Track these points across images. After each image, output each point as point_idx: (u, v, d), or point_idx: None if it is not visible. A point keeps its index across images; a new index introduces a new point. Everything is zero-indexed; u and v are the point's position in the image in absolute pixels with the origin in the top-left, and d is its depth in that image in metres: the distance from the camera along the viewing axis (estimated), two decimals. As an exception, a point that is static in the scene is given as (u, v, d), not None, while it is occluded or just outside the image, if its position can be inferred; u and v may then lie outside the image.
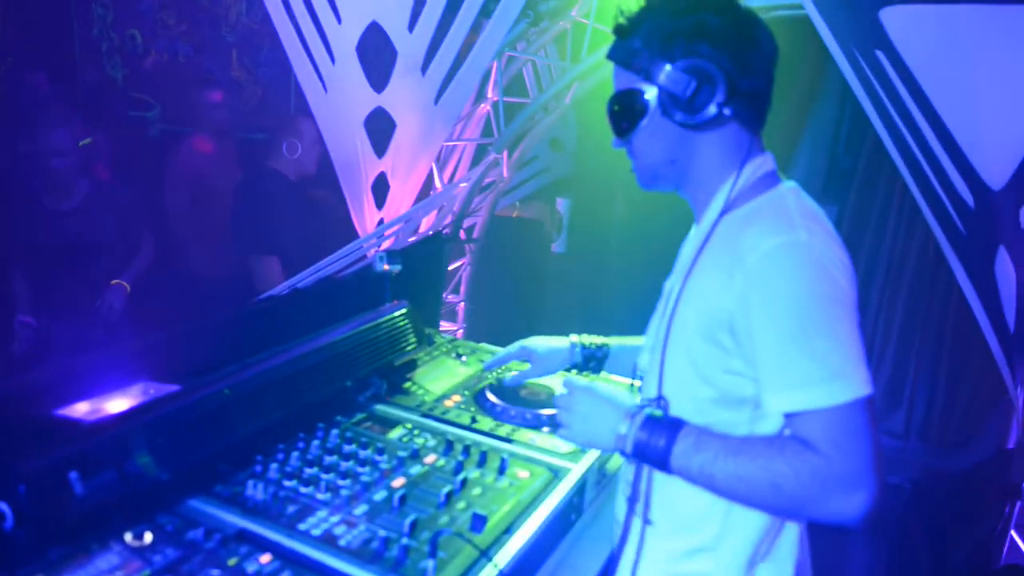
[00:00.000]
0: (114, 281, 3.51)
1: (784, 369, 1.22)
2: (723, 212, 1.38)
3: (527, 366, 2.08)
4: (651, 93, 1.38)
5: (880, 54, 2.40)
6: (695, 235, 1.51)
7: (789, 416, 1.24)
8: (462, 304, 4.25)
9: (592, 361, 2.03)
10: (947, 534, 3.37)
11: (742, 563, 1.42)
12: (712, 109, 1.32)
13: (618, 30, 1.43)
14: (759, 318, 1.25)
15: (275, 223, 3.61)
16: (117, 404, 1.94)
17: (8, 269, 3.39)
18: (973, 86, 2.34)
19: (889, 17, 2.34)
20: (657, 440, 1.32)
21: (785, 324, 1.22)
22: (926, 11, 2.31)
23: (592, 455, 1.87)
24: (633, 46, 1.38)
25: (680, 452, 1.29)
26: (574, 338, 2.05)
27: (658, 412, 1.37)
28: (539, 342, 2.07)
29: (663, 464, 1.31)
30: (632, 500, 1.50)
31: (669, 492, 1.45)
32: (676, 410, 1.40)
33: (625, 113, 1.43)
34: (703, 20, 1.33)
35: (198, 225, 4.07)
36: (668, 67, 1.33)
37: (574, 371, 2.10)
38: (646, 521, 1.49)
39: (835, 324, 1.21)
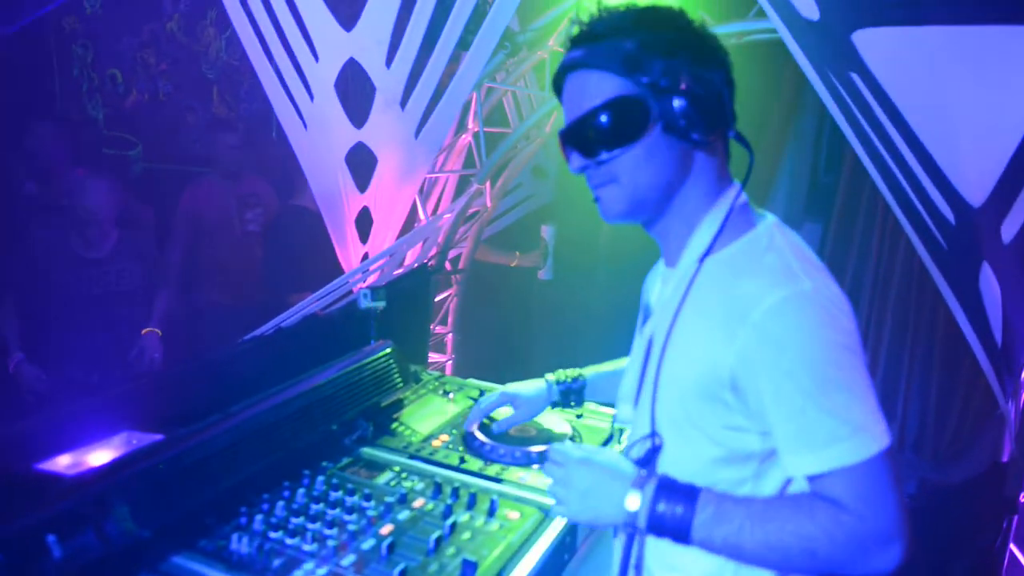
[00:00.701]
0: (146, 330, 3.50)
1: (805, 429, 1.16)
2: (706, 253, 1.29)
3: (510, 411, 2.06)
4: (655, 102, 1.23)
5: (855, 76, 2.41)
6: (671, 277, 1.38)
7: (813, 477, 1.18)
8: (450, 335, 4.23)
9: (571, 395, 2.01)
10: (946, 549, 3.35)
11: None
12: (721, 122, 1.26)
13: (591, 34, 1.27)
14: (771, 377, 1.17)
15: (305, 259, 3.61)
16: (99, 456, 1.91)
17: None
18: (949, 105, 2.36)
19: (862, 40, 2.36)
20: (674, 511, 1.21)
21: (801, 382, 1.15)
22: (898, 33, 2.33)
23: None
24: (626, 48, 1.22)
25: (701, 524, 1.19)
26: (549, 377, 2.03)
27: (669, 479, 1.27)
28: (518, 387, 2.05)
29: (683, 537, 1.21)
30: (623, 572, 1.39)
31: (671, 556, 1.36)
32: (677, 470, 1.30)
33: (615, 128, 1.24)
34: (695, 37, 1.26)
35: (203, 264, 4.04)
36: (684, 74, 1.21)
37: (556, 408, 2.09)
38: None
39: (851, 375, 1.16)
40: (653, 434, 1.32)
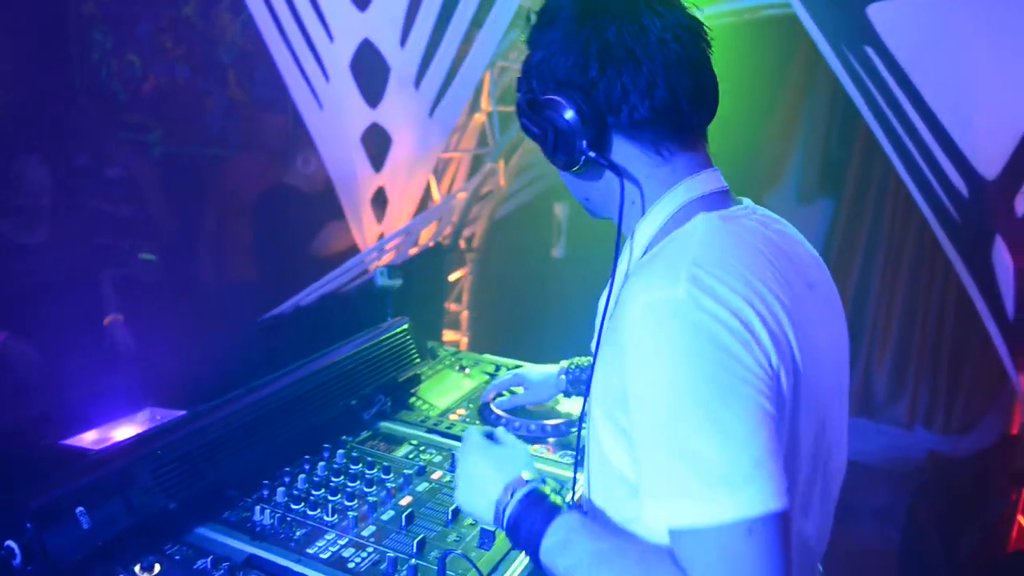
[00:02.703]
0: (107, 319, 3.33)
1: (656, 471, 0.94)
2: (628, 262, 1.16)
3: (521, 391, 2.09)
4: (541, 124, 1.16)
5: (869, 50, 2.41)
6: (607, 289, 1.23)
7: (670, 530, 0.93)
8: (465, 313, 4.27)
9: (580, 385, 2.01)
10: (956, 521, 3.37)
11: None
12: (575, 158, 1.11)
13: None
14: (635, 399, 0.97)
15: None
16: (123, 431, 1.97)
17: None
18: (963, 78, 2.36)
19: (877, 13, 2.36)
20: (530, 527, 1.10)
21: (654, 413, 0.93)
22: (913, 6, 2.33)
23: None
24: (522, 71, 1.18)
25: (547, 548, 1.07)
26: (563, 363, 2.05)
27: (545, 488, 1.15)
28: (532, 369, 2.08)
29: (534, 555, 1.09)
30: None
31: None
32: (598, 501, 1.16)
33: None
34: (568, 45, 1.08)
35: (228, 241, 4.05)
36: (528, 108, 1.15)
37: (570, 397, 2.10)
38: None
39: (719, 413, 0.88)
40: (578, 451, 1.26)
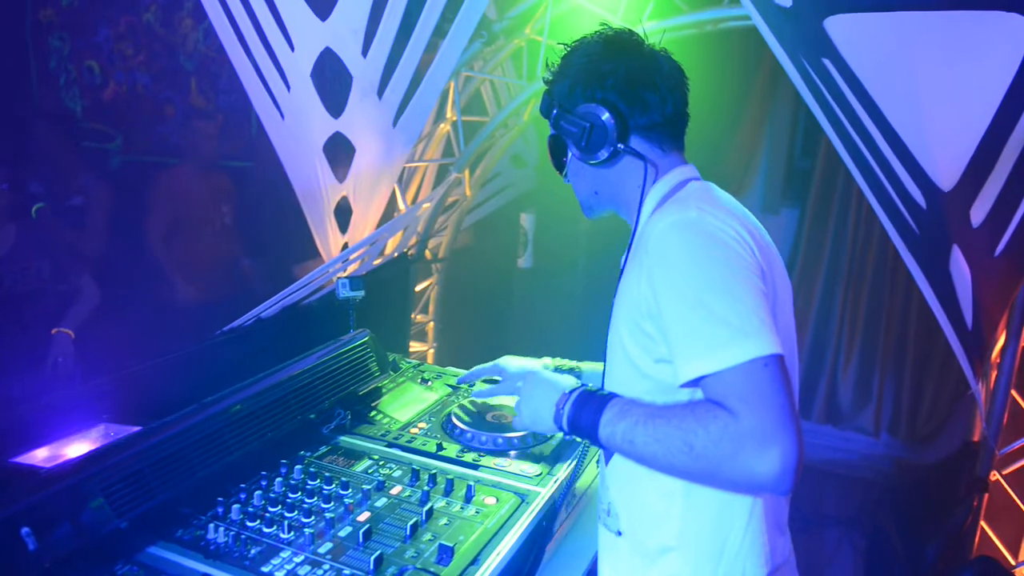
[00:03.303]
0: (55, 330, 3.22)
1: (688, 338, 1.24)
2: (636, 222, 1.50)
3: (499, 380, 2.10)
4: (565, 138, 1.54)
5: (827, 62, 2.43)
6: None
7: (699, 383, 1.24)
8: (432, 324, 4.24)
9: None
10: (920, 527, 3.41)
11: (708, 558, 1.41)
12: (605, 149, 1.47)
13: (545, 83, 1.60)
14: (662, 293, 1.29)
15: None
16: (76, 448, 1.92)
17: None
18: (919, 90, 2.39)
19: (833, 26, 2.38)
20: (588, 412, 1.38)
21: (683, 293, 1.25)
22: (869, 19, 2.35)
23: (562, 474, 1.88)
24: (545, 101, 1.58)
25: (606, 421, 1.34)
26: (547, 360, 2.07)
27: (591, 388, 1.45)
28: (512, 361, 2.09)
29: (593, 434, 1.37)
30: (599, 513, 1.57)
31: (628, 498, 1.49)
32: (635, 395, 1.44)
33: (555, 155, 1.61)
34: (599, 69, 1.47)
35: (175, 255, 4.00)
36: (568, 114, 1.50)
37: None
38: (617, 533, 1.51)
39: (732, 286, 1.23)
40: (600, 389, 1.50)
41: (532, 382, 1.55)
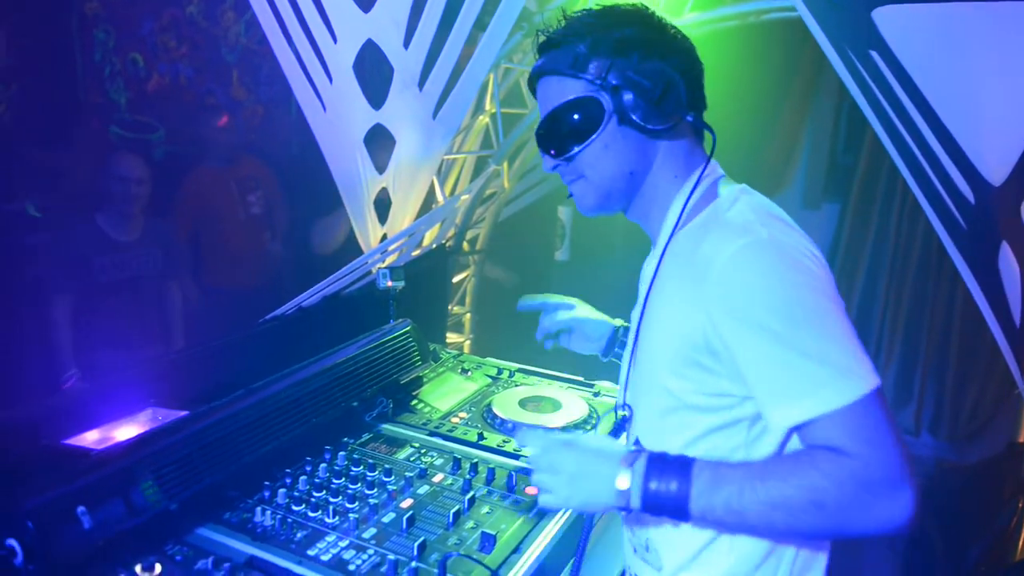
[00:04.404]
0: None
1: (783, 378, 1.10)
2: (675, 227, 1.31)
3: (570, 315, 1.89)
4: (607, 98, 1.28)
5: (874, 54, 2.40)
6: (651, 258, 1.39)
7: (802, 427, 1.11)
8: (468, 315, 4.26)
9: (619, 346, 1.82)
10: (962, 529, 3.36)
11: None
12: (677, 110, 1.27)
13: (551, 42, 1.34)
14: (739, 330, 1.13)
15: None
16: (125, 431, 1.96)
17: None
18: (969, 83, 2.34)
19: (882, 17, 2.34)
20: (668, 486, 1.14)
21: (771, 328, 1.10)
22: (919, 10, 2.31)
23: None
24: (579, 51, 1.29)
25: (698, 493, 1.12)
26: (620, 322, 1.85)
27: (660, 453, 1.21)
28: (587, 313, 1.88)
29: (681, 511, 1.14)
30: (634, 546, 1.42)
31: (670, 535, 1.33)
32: (664, 445, 1.26)
33: (575, 126, 1.31)
34: (648, 32, 1.29)
35: (229, 242, 4.06)
36: (629, 66, 1.26)
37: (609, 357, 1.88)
38: (658, 570, 1.38)
39: (824, 317, 1.10)
40: (621, 406, 1.35)
41: (569, 455, 1.23)
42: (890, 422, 1.08)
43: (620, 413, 1.38)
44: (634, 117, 1.26)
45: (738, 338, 1.13)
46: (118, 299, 3.36)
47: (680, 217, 1.30)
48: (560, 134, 1.33)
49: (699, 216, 1.29)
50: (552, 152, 1.37)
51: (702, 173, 1.32)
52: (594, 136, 1.30)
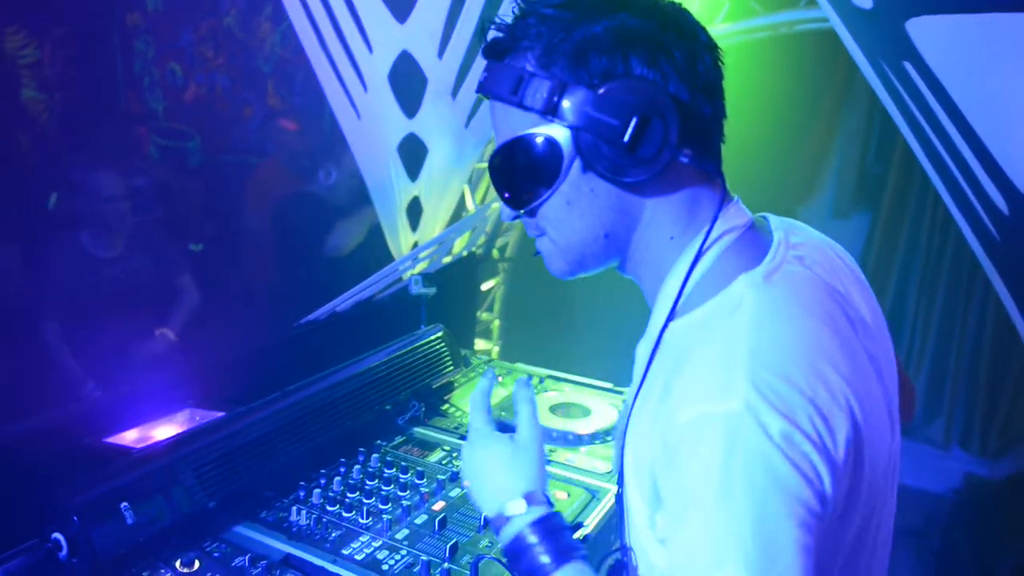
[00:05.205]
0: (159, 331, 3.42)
1: None
2: (669, 317, 0.96)
3: None
4: (564, 137, 0.92)
5: (907, 65, 2.40)
6: (646, 338, 1.03)
7: None
8: (497, 322, 4.29)
9: None
10: (992, 544, 3.32)
11: None
12: (662, 153, 0.89)
13: (494, 47, 0.97)
14: (670, 507, 0.86)
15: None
16: (164, 431, 2.01)
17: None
18: (1004, 93, 2.33)
19: (915, 28, 2.34)
20: (537, 555, 0.99)
21: (692, 536, 0.82)
22: (953, 21, 2.31)
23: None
24: (522, 68, 0.92)
25: None
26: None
27: (556, 520, 1.03)
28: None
29: None
30: None
31: None
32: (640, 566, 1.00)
33: (527, 172, 0.96)
34: (628, 22, 0.90)
35: (264, 247, 4.11)
36: (590, 94, 0.89)
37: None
38: None
39: (757, 555, 0.77)
40: (621, 549, 1.06)
41: (486, 453, 1.11)
42: None
43: (614, 558, 1.11)
44: (599, 167, 0.91)
45: (671, 514, 0.86)
46: (117, 313, 3.25)
47: (676, 302, 0.95)
48: (511, 180, 0.99)
49: (703, 308, 0.93)
50: (507, 199, 1.02)
51: (704, 242, 0.95)
52: (552, 189, 0.96)
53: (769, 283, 0.91)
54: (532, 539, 1.00)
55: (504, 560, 1.06)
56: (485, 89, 0.98)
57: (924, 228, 3.89)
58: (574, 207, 0.97)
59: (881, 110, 2.49)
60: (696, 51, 0.93)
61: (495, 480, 1.08)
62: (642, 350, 1.03)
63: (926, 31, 2.32)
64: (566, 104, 0.90)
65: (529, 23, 0.93)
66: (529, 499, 1.04)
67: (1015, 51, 2.26)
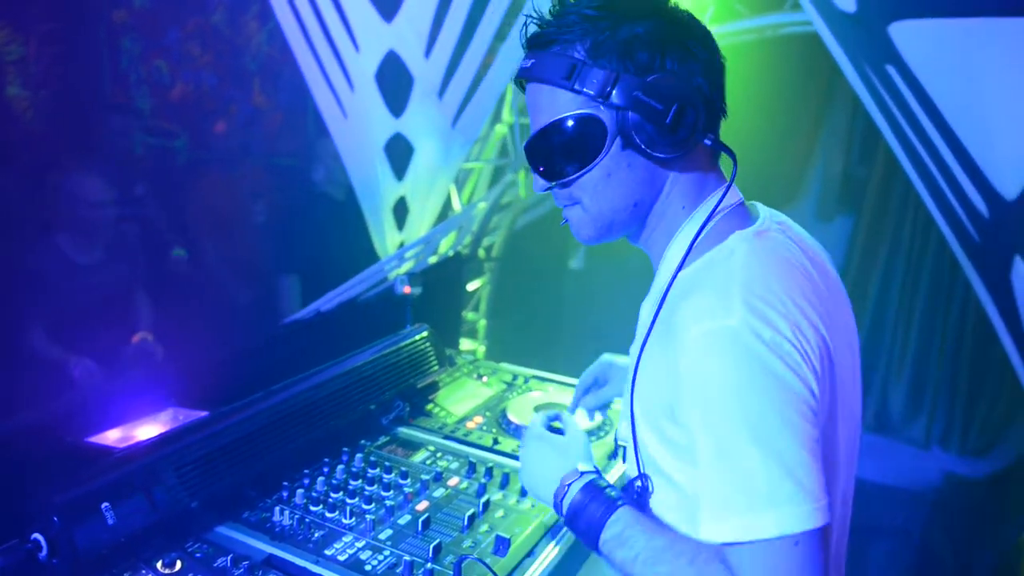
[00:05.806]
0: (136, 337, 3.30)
1: (709, 490, 0.99)
2: (676, 272, 1.11)
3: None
4: (609, 118, 1.09)
5: (890, 68, 2.42)
6: (651, 295, 1.21)
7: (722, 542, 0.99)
8: (483, 322, 4.29)
9: None
10: (971, 543, 3.35)
11: None
12: (694, 135, 1.07)
13: (542, 39, 1.12)
14: (694, 420, 1.01)
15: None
16: (146, 430, 2.00)
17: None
18: (984, 98, 2.36)
19: (898, 32, 2.37)
20: (590, 517, 1.14)
21: (713, 433, 0.98)
22: (935, 25, 2.33)
23: (615, 472, 1.90)
24: (576, 58, 1.08)
25: (605, 540, 1.12)
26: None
27: (601, 481, 1.19)
28: (618, 359, 1.81)
29: (592, 544, 1.14)
30: None
31: None
32: (659, 501, 1.15)
33: (572, 148, 1.11)
34: (663, 30, 1.08)
35: (249, 247, 4.09)
36: (638, 82, 1.06)
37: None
38: None
39: (772, 441, 0.94)
40: (638, 477, 1.18)
41: (537, 445, 1.32)
42: (802, 571, 0.94)
43: (620, 443, 1.29)
44: (641, 144, 1.07)
45: (693, 427, 1.01)
46: (100, 312, 3.23)
47: (683, 260, 1.11)
48: (553, 155, 1.14)
49: (702, 259, 1.10)
50: (543, 172, 1.17)
51: (716, 207, 1.14)
52: (594, 162, 1.11)
53: (757, 238, 1.10)
54: (584, 498, 1.16)
55: (567, 523, 1.22)
56: (534, 74, 1.12)
57: (906, 230, 3.93)
58: (612, 178, 1.13)
59: (864, 113, 2.51)
60: (712, 53, 1.12)
61: (553, 464, 1.26)
62: (646, 307, 1.20)
63: (909, 35, 2.35)
64: (617, 90, 1.06)
65: (571, 20, 1.09)
66: (572, 474, 1.21)
67: (997, 56, 2.29)
